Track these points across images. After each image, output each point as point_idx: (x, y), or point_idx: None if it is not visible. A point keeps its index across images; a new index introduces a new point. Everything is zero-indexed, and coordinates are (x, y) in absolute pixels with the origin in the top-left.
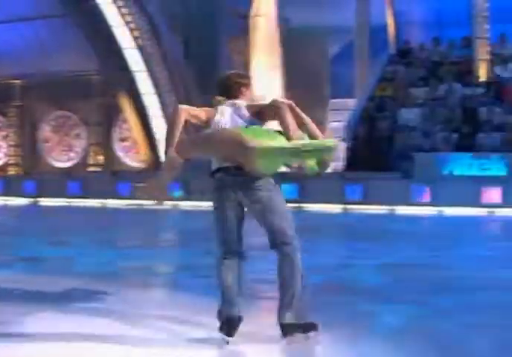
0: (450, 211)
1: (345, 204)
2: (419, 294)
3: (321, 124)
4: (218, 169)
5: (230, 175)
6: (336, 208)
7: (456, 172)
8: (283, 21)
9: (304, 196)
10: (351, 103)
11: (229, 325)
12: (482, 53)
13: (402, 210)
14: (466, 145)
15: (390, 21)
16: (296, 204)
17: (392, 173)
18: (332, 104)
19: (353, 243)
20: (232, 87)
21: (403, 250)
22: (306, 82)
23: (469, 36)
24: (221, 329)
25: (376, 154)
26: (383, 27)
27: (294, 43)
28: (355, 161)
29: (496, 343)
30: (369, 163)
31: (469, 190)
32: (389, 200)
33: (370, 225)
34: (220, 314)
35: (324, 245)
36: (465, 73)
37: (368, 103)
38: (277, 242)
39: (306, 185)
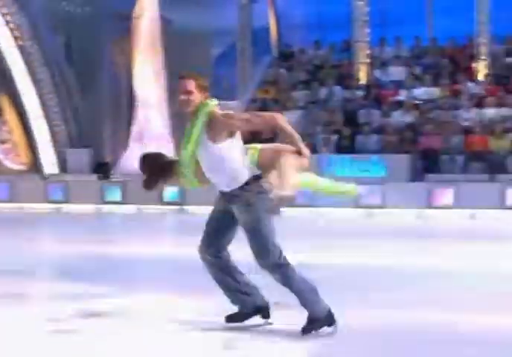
0: (329, 212)
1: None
2: None
3: None
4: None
5: None
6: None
7: (337, 174)
8: (165, 23)
9: (186, 198)
10: (233, 105)
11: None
12: (362, 56)
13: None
14: (346, 147)
15: (272, 24)
16: (178, 206)
17: None
18: None
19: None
20: None
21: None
22: None
23: (350, 40)
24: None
25: None
26: (266, 30)
27: (177, 44)
28: None
29: None
30: None
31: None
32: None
33: None
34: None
35: None
36: (345, 76)
37: (250, 106)
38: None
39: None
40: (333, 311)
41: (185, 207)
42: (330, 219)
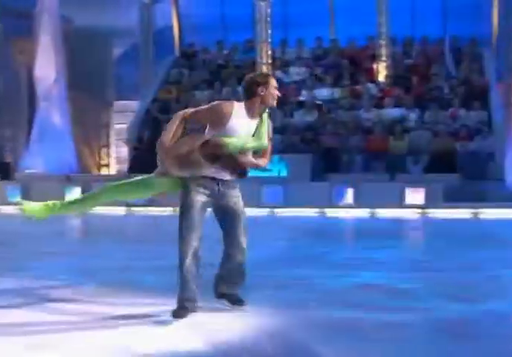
0: None
1: (128, 206)
2: None
3: (106, 126)
4: None
5: None
6: (119, 211)
7: None
8: (66, 22)
9: None
10: (135, 105)
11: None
12: (264, 57)
13: None
14: None
15: (175, 24)
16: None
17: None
18: (116, 106)
19: (135, 245)
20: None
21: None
22: (90, 83)
23: (252, 40)
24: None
25: None
26: (168, 30)
27: (78, 43)
28: (139, 164)
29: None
30: (153, 166)
31: (251, 191)
32: (175, 201)
33: (152, 227)
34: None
35: (106, 246)
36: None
37: (153, 106)
38: None
39: (90, 188)
40: None
41: None
42: None
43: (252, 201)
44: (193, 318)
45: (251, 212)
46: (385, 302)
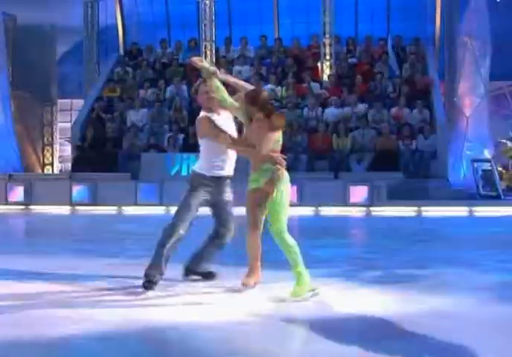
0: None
1: (73, 205)
2: None
3: (49, 125)
4: None
5: None
6: (63, 210)
7: (183, 173)
8: (8, 18)
9: (30, 198)
10: (79, 103)
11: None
12: (208, 55)
13: (130, 210)
14: (192, 145)
15: (119, 22)
16: (23, 206)
17: (120, 174)
18: (60, 104)
19: (81, 245)
20: None
21: (130, 249)
22: (33, 81)
23: (197, 39)
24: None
25: (104, 155)
26: (112, 28)
27: (21, 41)
28: (83, 162)
29: None
30: (97, 164)
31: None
32: (118, 201)
33: (98, 226)
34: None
35: (51, 246)
36: (192, 75)
37: (96, 104)
38: None
39: (33, 186)
40: None
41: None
42: None
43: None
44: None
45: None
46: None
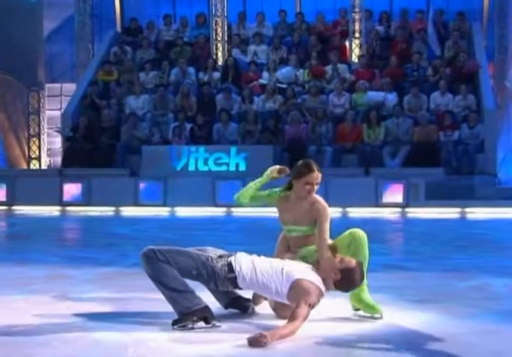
0: (184, 212)
1: (63, 205)
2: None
3: (36, 113)
4: None
5: None
6: (52, 210)
7: (191, 168)
8: None
9: (14, 197)
10: (71, 88)
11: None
12: (219, 33)
13: (130, 211)
14: (201, 137)
15: None
16: (5, 207)
17: (118, 170)
18: (48, 89)
19: (72, 251)
20: None
21: (129, 257)
22: (17, 63)
23: (206, 14)
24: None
25: (100, 147)
26: (109, 1)
27: (1, 17)
28: (75, 156)
29: None
30: (91, 158)
31: (205, 188)
32: (115, 200)
33: (92, 229)
34: None
35: (38, 253)
36: (200, 55)
37: (90, 89)
38: None
39: (16, 184)
40: None
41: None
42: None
43: (206, 199)
44: None
45: (203, 212)
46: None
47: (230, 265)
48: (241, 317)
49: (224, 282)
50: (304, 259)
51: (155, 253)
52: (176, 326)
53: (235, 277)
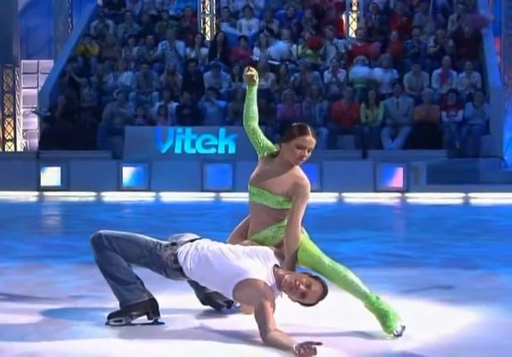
0: (170, 197)
1: (41, 190)
2: None
3: (10, 92)
4: None
5: None
6: (29, 196)
7: (177, 150)
8: None
9: None
10: (48, 64)
11: None
12: (207, 6)
13: (112, 196)
14: (187, 116)
15: None
16: None
17: (99, 152)
18: (24, 66)
19: (51, 239)
20: None
21: None
22: None
23: None
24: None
25: (79, 128)
26: None
27: None
28: (53, 138)
29: None
30: (71, 140)
31: (192, 172)
32: (96, 184)
33: (72, 216)
34: None
35: (14, 241)
36: (187, 30)
37: (69, 66)
38: None
39: None
40: None
41: None
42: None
43: (193, 184)
44: None
45: (191, 197)
46: None
47: (176, 254)
48: (209, 316)
49: (173, 272)
50: (265, 240)
51: (102, 240)
52: (111, 321)
53: (181, 268)
